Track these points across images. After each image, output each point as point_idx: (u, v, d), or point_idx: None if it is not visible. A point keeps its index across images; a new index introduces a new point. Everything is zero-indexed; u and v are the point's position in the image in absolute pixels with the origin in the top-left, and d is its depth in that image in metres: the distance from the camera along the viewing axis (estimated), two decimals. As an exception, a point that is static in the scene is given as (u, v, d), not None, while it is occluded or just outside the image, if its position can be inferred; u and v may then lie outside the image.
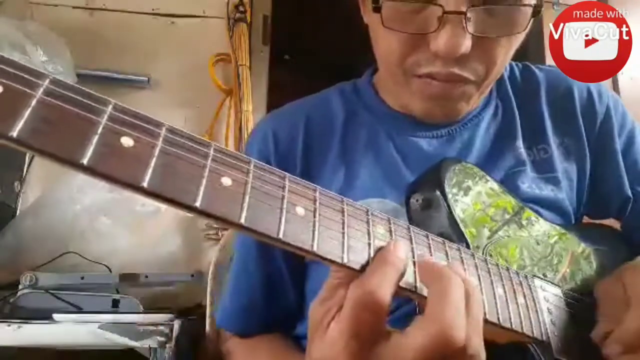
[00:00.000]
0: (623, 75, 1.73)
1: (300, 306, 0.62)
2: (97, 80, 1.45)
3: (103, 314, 0.87)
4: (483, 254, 0.46)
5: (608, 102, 0.64)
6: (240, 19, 1.55)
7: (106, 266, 1.10)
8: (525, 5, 0.49)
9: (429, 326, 0.30)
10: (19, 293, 0.94)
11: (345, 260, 0.30)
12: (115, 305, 0.97)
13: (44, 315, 0.84)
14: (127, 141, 0.23)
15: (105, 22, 1.54)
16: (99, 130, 0.23)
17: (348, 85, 0.67)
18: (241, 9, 1.56)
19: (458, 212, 0.48)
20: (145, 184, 0.23)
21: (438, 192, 0.48)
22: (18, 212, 1.25)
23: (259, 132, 0.65)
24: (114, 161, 0.22)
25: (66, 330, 0.81)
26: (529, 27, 0.51)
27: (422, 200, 0.48)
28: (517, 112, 0.62)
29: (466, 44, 0.47)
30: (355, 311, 0.30)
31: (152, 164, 0.23)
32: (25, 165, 1.28)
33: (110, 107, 0.24)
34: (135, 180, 0.23)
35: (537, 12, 0.49)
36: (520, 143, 0.60)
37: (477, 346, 0.31)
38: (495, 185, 0.53)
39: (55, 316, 0.83)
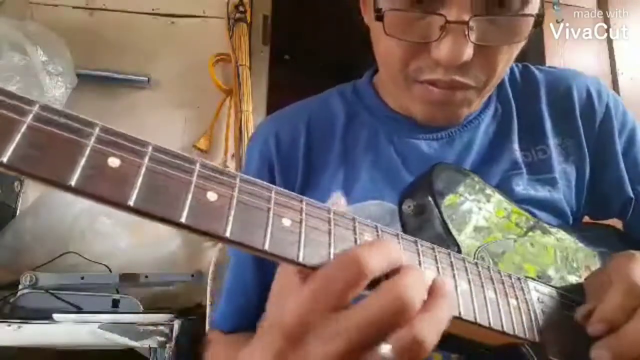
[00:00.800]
0: (623, 76, 1.73)
1: None
2: (97, 80, 1.45)
3: (103, 314, 0.87)
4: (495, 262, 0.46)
5: (608, 102, 0.64)
6: (240, 19, 1.56)
7: (106, 266, 1.10)
8: (527, 15, 0.49)
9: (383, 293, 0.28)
10: (19, 293, 0.95)
11: None
12: (115, 305, 0.97)
13: (44, 315, 0.85)
14: (113, 161, 0.24)
15: (105, 22, 1.54)
16: (86, 152, 0.23)
17: (348, 87, 0.67)
18: (241, 9, 1.56)
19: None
20: (131, 203, 0.23)
21: (430, 198, 0.48)
22: (18, 212, 1.25)
23: (260, 134, 0.65)
24: (101, 182, 0.23)
25: (66, 330, 0.81)
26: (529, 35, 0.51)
27: (414, 206, 0.48)
28: (515, 115, 0.62)
29: (468, 52, 0.47)
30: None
31: (138, 183, 0.24)
32: (26, 165, 1.28)
33: (97, 129, 0.24)
34: (121, 199, 0.23)
35: (539, 22, 0.49)
36: (516, 145, 0.60)
37: (432, 342, 0.29)
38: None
39: (55, 316, 0.83)
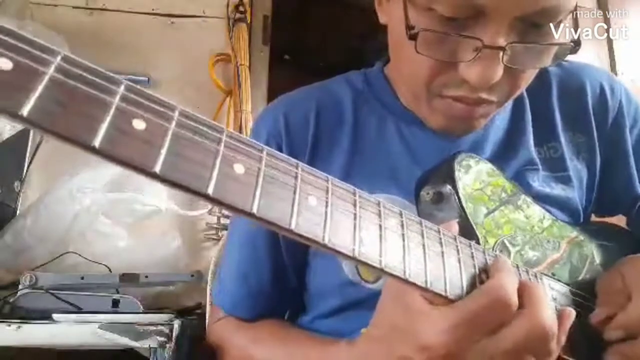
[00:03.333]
0: (623, 76, 1.73)
1: (302, 295, 0.62)
2: (97, 80, 1.45)
3: (103, 314, 0.87)
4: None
5: (621, 97, 0.63)
6: (240, 19, 1.56)
7: (106, 266, 1.10)
8: (564, 44, 0.48)
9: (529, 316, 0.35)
10: (19, 293, 0.94)
11: (356, 254, 0.29)
12: (115, 305, 0.97)
13: (44, 315, 0.84)
14: (138, 124, 0.23)
15: (105, 22, 1.54)
16: (111, 112, 0.22)
17: (358, 76, 0.66)
18: (241, 9, 1.56)
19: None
20: (157, 170, 0.22)
21: (449, 186, 0.48)
22: (18, 212, 1.24)
23: (269, 114, 0.63)
24: (126, 145, 0.22)
25: (66, 330, 0.81)
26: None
27: (433, 194, 0.48)
28: (529, 110, 0.62)
29: (498, 75, 0.46)
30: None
31: (165, 148, 0.23)
32: (25, 165, 1.28)
33: (122, 87, 0.23)
34: (146, 165, 0.22)
35: (576, 50, 0.48)
36: (531, 142, 0.60)
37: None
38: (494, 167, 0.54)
39: (55, 316, 0.83)
